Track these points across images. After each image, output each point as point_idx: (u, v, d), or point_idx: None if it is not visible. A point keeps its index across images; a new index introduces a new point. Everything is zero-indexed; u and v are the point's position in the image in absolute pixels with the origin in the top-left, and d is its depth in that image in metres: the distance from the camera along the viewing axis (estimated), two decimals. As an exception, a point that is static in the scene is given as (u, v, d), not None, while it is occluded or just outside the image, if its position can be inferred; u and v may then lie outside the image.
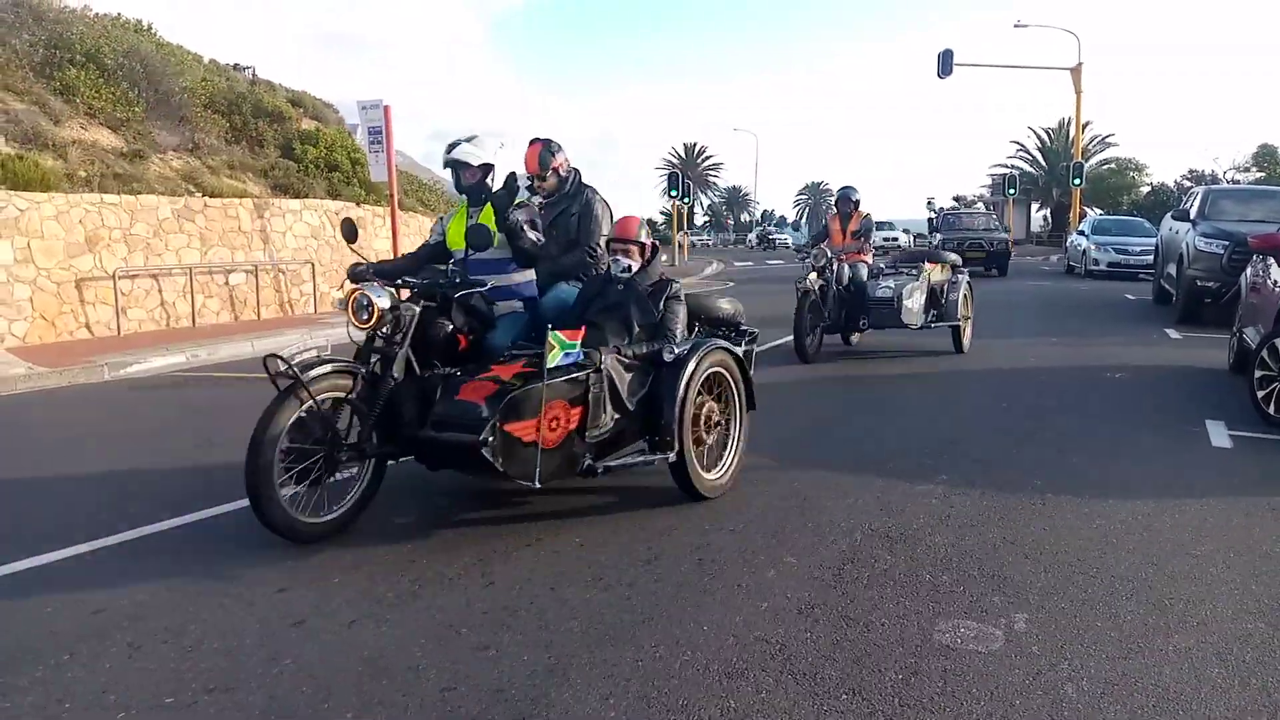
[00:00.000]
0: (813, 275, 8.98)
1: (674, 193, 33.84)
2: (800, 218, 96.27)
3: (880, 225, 41.80)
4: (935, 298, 9.43)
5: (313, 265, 15.13)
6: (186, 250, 13.21)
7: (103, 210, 12.12)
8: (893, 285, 9.15)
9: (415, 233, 17.73)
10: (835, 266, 9.12)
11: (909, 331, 9.36)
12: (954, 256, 10.14)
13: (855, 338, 10.11)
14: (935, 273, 9.56)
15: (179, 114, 16.14)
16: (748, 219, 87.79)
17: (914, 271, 9.44)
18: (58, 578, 3.67)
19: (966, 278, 9.85)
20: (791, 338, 8.88)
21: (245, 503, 3.89)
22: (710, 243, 70.44)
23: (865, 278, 9.29)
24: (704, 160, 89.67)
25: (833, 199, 10.34)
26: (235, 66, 21.79)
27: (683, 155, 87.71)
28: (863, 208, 9.81)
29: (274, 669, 2.85)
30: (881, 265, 9.88)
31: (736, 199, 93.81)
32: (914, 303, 9.04)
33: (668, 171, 43.98)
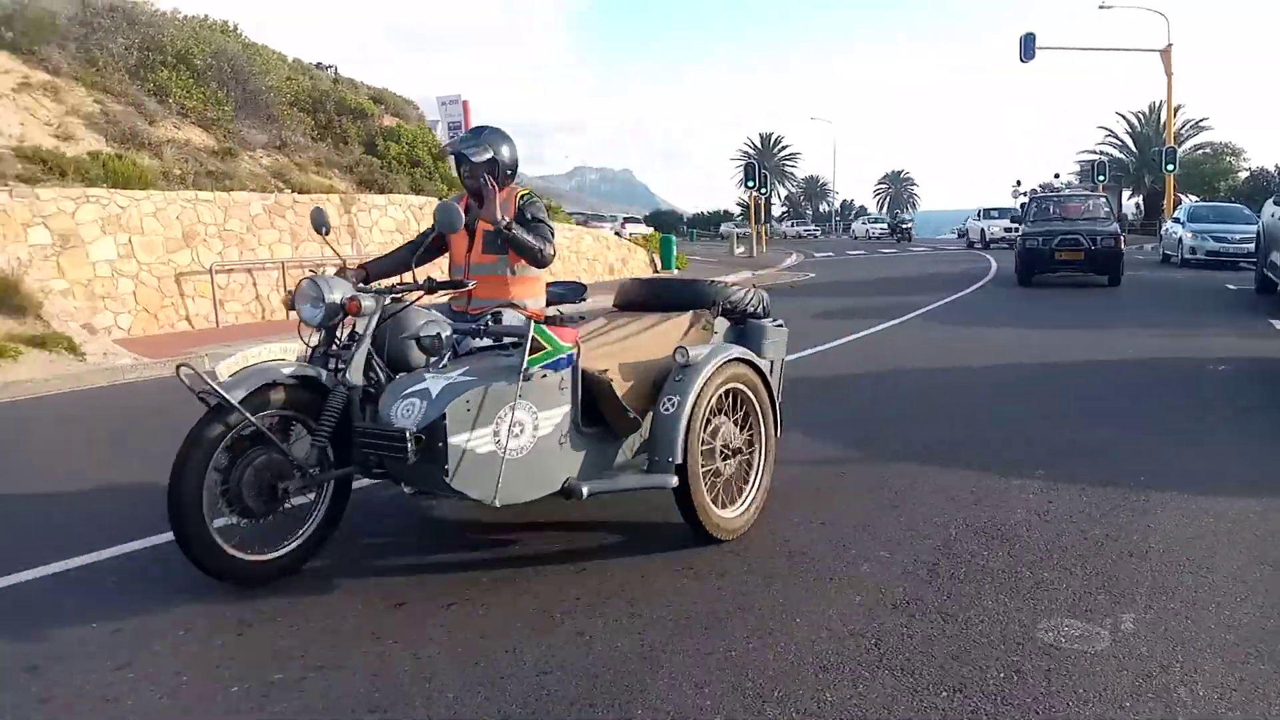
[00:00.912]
0: (278, 355, 3.48)
1: (750, 184, 33.25)
2: (881, 208, 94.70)
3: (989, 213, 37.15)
4: (596, 414, 3.59)
5: (396, 258, 15.47)
6: (278, 245, 13.66)
7: (198, 207, 12.60)
8: (431, 391, 3.19)
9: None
10: (393, 324, 3.67)
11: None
12: (734, 292, 4.36)
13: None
14: (638, 342, 3.92)
15: (266, 112, 16.70)
16: (826, 209, 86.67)
17: (512, 349, 3.42)
18: (175, 557, 3.83)
19: (736, 353, 3.88)
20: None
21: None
22: (817, 234, 66.87)
23: (419, 364, 3.58)
24: (780, 150, 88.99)
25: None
26: (318, 65, 22.43)
27: (759, 146, 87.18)
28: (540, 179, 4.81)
29: (377, 648, 2.93)
30: (483, 330, 3.55)
31: (815, 189, 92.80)
32: (485, 439, 3.17)
33: (743, 162, 43.36)
